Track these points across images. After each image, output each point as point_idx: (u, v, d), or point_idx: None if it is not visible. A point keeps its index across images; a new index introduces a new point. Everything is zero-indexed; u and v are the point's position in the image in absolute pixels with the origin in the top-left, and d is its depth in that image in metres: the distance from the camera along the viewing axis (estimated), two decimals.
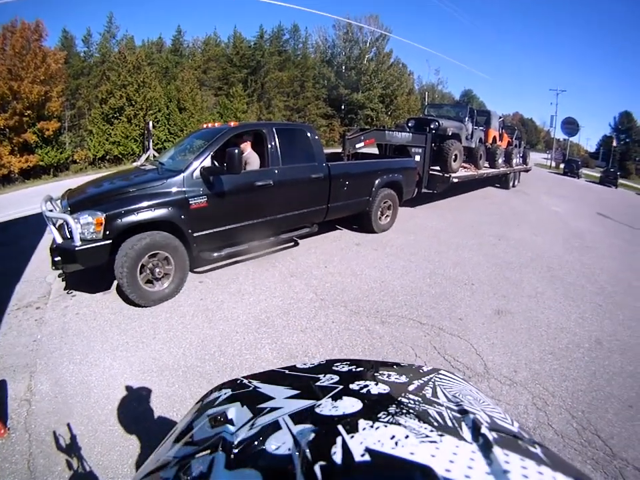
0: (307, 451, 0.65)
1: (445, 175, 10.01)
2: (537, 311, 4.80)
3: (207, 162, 4.89)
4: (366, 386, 0.92)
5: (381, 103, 41.26)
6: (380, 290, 5.07)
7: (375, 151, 10.52)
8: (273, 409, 0.85)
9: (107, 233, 4.09)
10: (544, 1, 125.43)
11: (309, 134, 6.19)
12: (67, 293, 4.89)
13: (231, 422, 0.84)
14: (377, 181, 7.10)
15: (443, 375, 1.12)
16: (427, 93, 50.12)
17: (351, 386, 0.93)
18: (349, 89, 40.17)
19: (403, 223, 8.46)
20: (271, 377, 1.15)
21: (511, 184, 15.69)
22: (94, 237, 4.07)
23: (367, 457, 0.61)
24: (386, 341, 3.92)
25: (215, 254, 5.04)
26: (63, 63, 26.67)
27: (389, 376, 1.03)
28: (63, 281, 5.04)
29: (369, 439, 0.66)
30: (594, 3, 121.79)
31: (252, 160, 5.51)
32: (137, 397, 3.07)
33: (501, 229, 8.80)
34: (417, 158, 9.28)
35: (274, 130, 5.64)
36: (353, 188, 6.66)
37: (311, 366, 1.18)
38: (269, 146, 5.50)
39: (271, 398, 0.92)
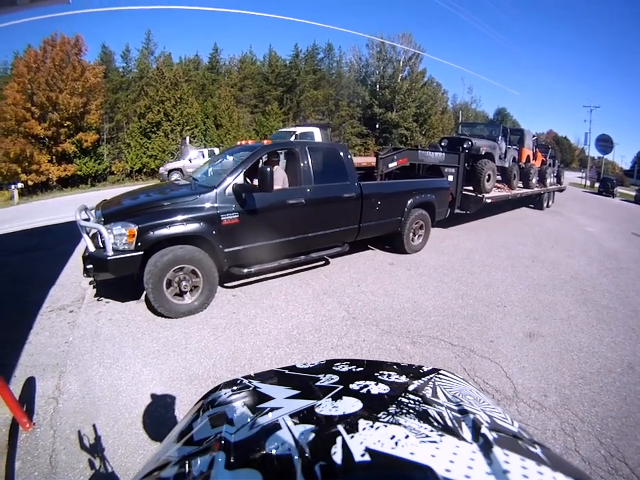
0: (307, 450, 0.67)
1: (478, 195, 9.86)
2: (569, 335, 4.74)
3: (240, 179, 4.97)
4: (366, 386, 0.95)
5: (415, 122, 41.05)
6: (412, 310, 5.08)
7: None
8: (273, 409, 0.87)
9: (139, 244, 4.23)
10: (577, 18, 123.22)
11: (341, 153, 6.21)
12: (97, 300, 5.05)
13: (230, 422, 0.86)
14: (409, 201, 7.07)
15: (443, 374, 1.14)
16: (460, 111, 49.75)
17: (351, 386, 0.95)
18: (383, 107, 40.07)
19: (437, 244, 8.45)
20: (271, 377, 1.18)
21: (545, 204, 15.32)
22: (126, 247, 4.20)
23: (366, 457, 0.62)
24: (416, 361, 3.92)
25: (245, 270, 5.09)
26: (101, 77, 27.60)
27: (389, 376, 1.05)
28: (94, 288, 5.18)
29: (368, 439, 0.67)
30: (626, 18, 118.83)
31: (279, 178, 5.54)
32: (164, 403, 3.14)
33: (535, 250, 8.69)
34: (450, 178, 9.18)
35: (307, 149, 5.70)
36: (385, 208, 6.66)
37: (311, 366, 1.21)
38: (302, 164, 5.56)
39: (271, 398, 0.94)
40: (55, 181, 25.84)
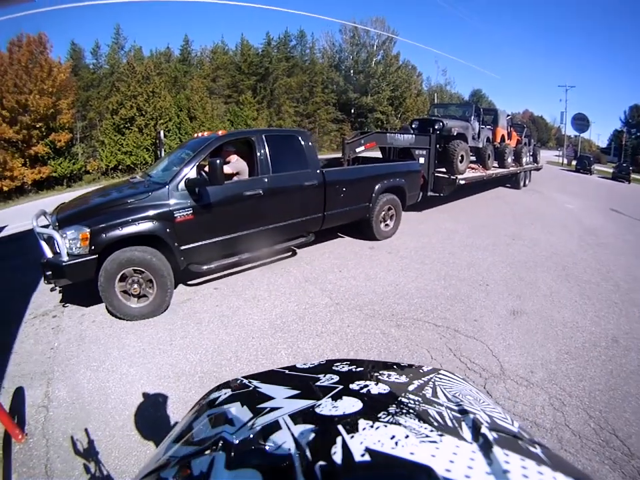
0: (307, 450, 0.66)
1: (452, 177, 9.80)
2: (553, 311, 4.77)
3: (193, 173, 4.79)
4: (366, 386, 0.94)
5: (390, 106, 41.12)
6: (395, 293, 5.07)
7: (379, 154, 10.47)
8: (272, 409, 0.86)
9: (93, 247, 4.11)
10: None
11: (301, 140, 6.01)
12: (63, 305, 4.90)
13: (230, 422, 0.85)
14: (376, 187, 6.95)
15: (443, 374, 1.13)
16: (435, 93, 49.89)
17: (351, 386, 0.94)
18: (358, 92, 40.11)
19: (415, 226, 8.47)
20: (271, 376, 1.17)
21: (521, 183, 15.47)
22: (80, 252, 4.09)
23: (366, 457, 0.62)
24: (402, 344, 3.92)
25: (205, 267, 4.96)
26: (69, 73, 26.83)
27: (389, 376, 1.05)
28: (59, 293, 5.08)
29: (368, 438, 0.67)
30: None
31: (241, 169, 5.43)
32: (153, 402, 3.10)
33: (515, 229, 8.75)
34: (422, 160, 9.12)
35: (263, 137, 5.50)
36: (351, 194, 6.54)
37: (311, 366, 1.20)
38: (258, 154, 5.37)
39: (271, 398, 0.93)
40: (30, 185, 25.17)
